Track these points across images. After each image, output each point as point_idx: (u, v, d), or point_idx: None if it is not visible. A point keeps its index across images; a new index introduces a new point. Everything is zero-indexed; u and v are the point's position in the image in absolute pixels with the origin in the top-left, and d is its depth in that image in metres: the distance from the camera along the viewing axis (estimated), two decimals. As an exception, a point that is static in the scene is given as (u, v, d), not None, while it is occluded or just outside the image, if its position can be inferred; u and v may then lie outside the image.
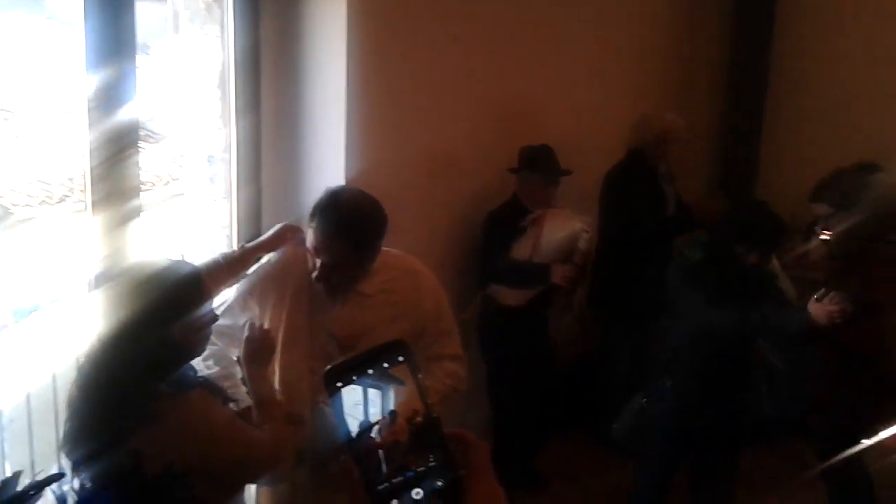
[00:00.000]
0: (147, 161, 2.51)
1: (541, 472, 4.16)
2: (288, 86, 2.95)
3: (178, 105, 3.00)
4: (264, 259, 2.39)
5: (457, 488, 0.84)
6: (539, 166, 3.69)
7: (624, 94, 4.85)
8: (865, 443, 3.07)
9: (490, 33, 3.70)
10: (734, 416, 3.24)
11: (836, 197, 4.28)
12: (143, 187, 2.57)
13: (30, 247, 3.35)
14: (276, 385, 2.25)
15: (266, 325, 2.26)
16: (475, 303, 3.78)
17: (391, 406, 0.88)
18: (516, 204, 3.74)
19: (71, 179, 3.02)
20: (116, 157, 2.41)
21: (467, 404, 3.72)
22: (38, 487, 1.43)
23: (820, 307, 2.85)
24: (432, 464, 0.85)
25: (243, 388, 2.22)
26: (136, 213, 2.50)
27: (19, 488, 1.39)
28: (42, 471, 1.50)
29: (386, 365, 0.88)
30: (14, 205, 3.63)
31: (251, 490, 2.45)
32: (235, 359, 2.27)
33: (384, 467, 0.85)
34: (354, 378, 0.88)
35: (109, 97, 2.35)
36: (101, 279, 2.43)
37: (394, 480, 0.84)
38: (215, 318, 1.95)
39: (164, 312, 1.81)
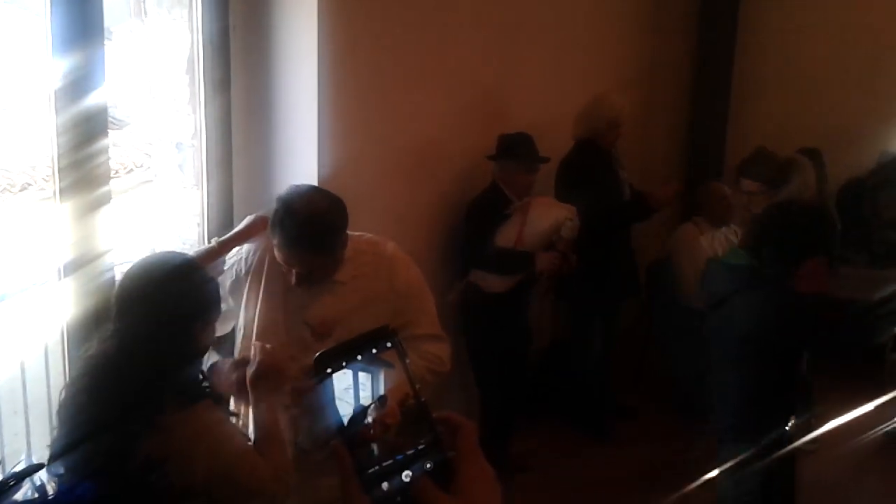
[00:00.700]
0: (112, 148, 2.44)
1: (517, 457, 4.18)
2: (258, 70, 2.90)
3: (145, 91, 2.94)
4: (237, 251, 2.35)
5: (446, 469, 0.84)
6: (518, 154, 3.70)
7: (592, 79, 4.86)
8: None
9: (463, 19, 3.69)
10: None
11: (764, 175, 4.39)
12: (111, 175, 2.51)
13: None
14: None
15: (242, 318, 2.23)
16: (457, 288, 3.77)
17: (381, 391, 0.87)
18: (496, 191, 3.75)
19: (33, 168, 2.94)
20: (84, 145, 2.35)
21: (448, 388, 3.74)
22: (17, 478, 1.39)
23: None
24: (421, 446, 0.85)
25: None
26: (104, 200, 2.45)
27: None
28: (20, 461, 1.46)
29: (374, 350, 0.88)
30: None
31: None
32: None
33: (375, 451, 0.85)
34: (344, 364, 0.87)
35: (76, 83, 2.29)
36: (70, 268, 2.38)
37: (384, 464, 0.84)
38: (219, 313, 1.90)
39: (185, 311, 1.76)
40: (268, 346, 1.98)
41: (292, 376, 2.01)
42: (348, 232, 2.24)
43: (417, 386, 0.87)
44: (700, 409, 3.29)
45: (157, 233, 2.96)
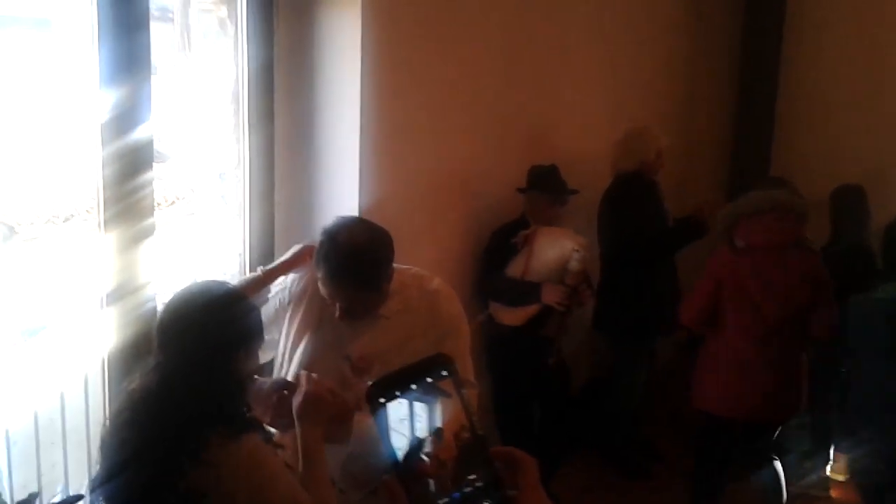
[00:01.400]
0: (156, 181, 2.45)
1: (556, 495, 4.08)
2: (301, 101, 2.91)
3: (188, 123, 2.96)
4: (282, 280, 2.33)
5: None
6: (545, 186, 3.67)
7: (630, 110, 4.82)
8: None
9: (501, 53, 3.68)
10: None
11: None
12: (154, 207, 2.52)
13: (36, 266, 3.28)
14: None
15: (281, 347, 2.21)
16: (479, 319, 3.70)
17: (438, 422, 0.83)
18: (523, 223, 3.71)
19: (77, 199, 2.97)
20: (129, 177, 2.36)
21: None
22: None
23: None
24: (479, 484, 0.81)
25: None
26: (148, 232, 2.45)
27: None
28: (57, 493, 1.42)
29: (430, 379, 0.84)
30: (19, 224, 3.57)
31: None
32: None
33: (431, 488, 0.80)
34: (398, 393, 0.83)
35: (123, 116, 2.31)
36: (113, 298, 2.38)
37: (439, 502, 0.79)
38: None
39: (228, 340, 1.72)
40: (314, 375, 1.93)
41: (337, 408, 1.95)
42: (395, 265, 2.20)
43: (474, 418, 0.83)
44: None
45: (199, 263, 2.96)
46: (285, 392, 1.96)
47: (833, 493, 4.38)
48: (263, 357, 2.27)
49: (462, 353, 2.25)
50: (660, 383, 4.73)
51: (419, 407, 0.83)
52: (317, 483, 1.82)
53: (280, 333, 2.28)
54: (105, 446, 1.73)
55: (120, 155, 2.32)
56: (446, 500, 0.80)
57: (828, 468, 4.54)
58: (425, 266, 2.46)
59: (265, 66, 2.83)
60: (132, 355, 2.42)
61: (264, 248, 2.96)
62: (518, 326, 3.65)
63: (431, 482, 0.81)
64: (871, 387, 3.30)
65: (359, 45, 2.78)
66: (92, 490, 1.70)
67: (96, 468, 1.73)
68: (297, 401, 1.88)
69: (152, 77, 2.41)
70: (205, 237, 3.02)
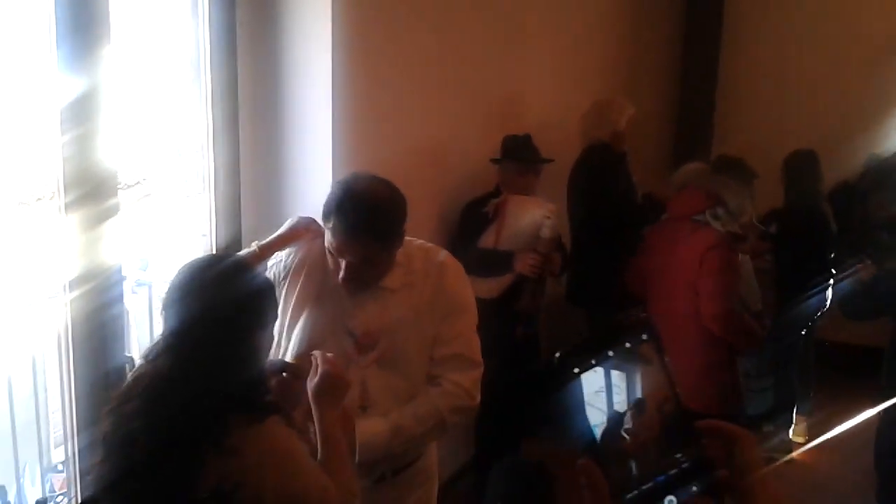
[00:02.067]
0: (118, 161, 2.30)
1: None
2: (268, 69, 2.74)
3: (148, 97, 2.76)
4: (279, 256, 2.18)
5: (716, 493, 0.70)
6: (518, 154, 3.60)
7: (587, 82, 4.78)
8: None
9: (470, 22, 3.58)
10: None
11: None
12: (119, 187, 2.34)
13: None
14: None
15: (285, 325, 2.06)
16: None
17: (638, 393, 0.72)
18: (496, 194, 3.62)
19: (34, 183, 2.76)
20: (91, 157, 2.19)
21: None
22: None
23: None
24: (685, 464, 0.71)
25: None
26: (112, 213, 2.28)
27: None
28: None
29: (628, 345, 0.74)
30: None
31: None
32: None
33: (633, 470, 0.70)
34: (594, 362, 0.73)
35: (83, 98, 2.14)
36: (77, 282, 2.21)
37: (643, 487, 0.69)
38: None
39: (243, 316, 1.59)
40: (329, 354, 1.80)
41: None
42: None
43: (678, 389, 0.73)
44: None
45: (163, 246, 2.78)
46: (284, 374, 1.82)
47: (795, 456, 4.47)
48: None
49: (470, 330, 2.15)
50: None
51: (617, 376, 0.72)
52: (339, 466, 1.71)
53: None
54: (110, 440, 1.56)
55: (81, 136, 2.15)
56: (650, 484, 0.71)
57: (790, 430, 4.64)
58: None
59: (227, 30, 2.65)
60: (98, 341, 2.27)
61: (231, 228, 2.80)
62: (492, 299, 3.56)
63: (633, 463, 0.72)
64: None
65: (329, 11, 2.64)
66: (102, 493, 1.53)
67: (99, 465, 1.56)
68: (313, 382, 1.75)
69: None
70: (166, 218, 2.83)
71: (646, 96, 6.03)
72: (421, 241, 2.18)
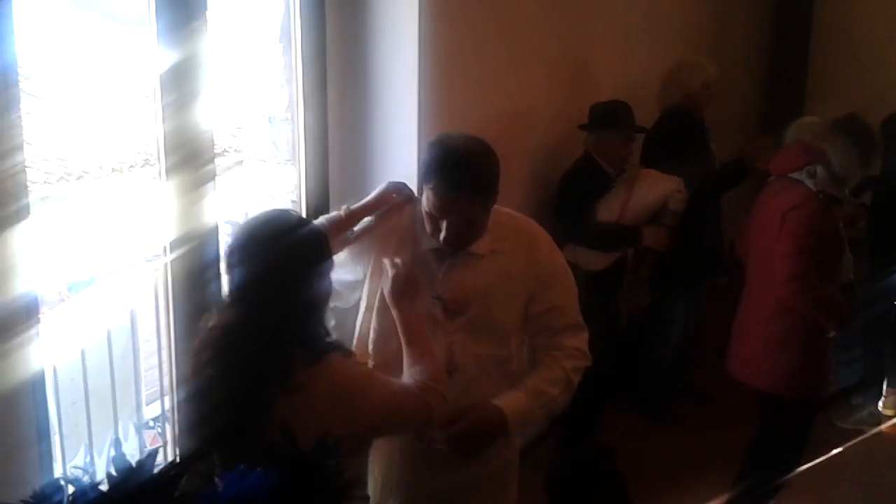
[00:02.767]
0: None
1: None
2: (356, 37, 2.76)
3: (237, 65, 2.82)
4: (367, 220, 2.21)
5: None
6: (619, 123, 3.50)
7: (672, 47, 4.63)
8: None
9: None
10: None
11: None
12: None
13: (78, 220, 3.19)
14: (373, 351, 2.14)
15: (367, 290, 2.13)
16: None
17: None
18: (591, 163, 3.56)
19: (132, 150, 2.86)
20: (189, 125, 2.26)
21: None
22: (181, 467, 1.27)
23: None
24: None
25: None
26: (208, 178, 2.35)
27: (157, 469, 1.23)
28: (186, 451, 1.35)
29: None
30: (47, 181, 3.46)
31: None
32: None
33: None
34: None
35: (181, 62, 2.21)
36: (175, 245, 2.30)
37: None
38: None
39: (295, 262, 1.68)
40: (396, 259, 1.95)
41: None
42: None
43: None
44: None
45: (254, 210, 2.85)
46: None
47: (885, 429, 4.34)
48: (347, 300, 2.19)
49: (574, 297, 2.18)
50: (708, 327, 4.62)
51: None
52: (427, 356, 1.87)
53: (364, 274, 2.17)
54: (192, 389, 1.71)
55: (178, 104, 2.22)
56: None
57: (880, 403, 4.50)
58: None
59: (317, 1, 2.68)
60: (196, 301, 2.36)
61: (319, 194, 2.85)
62: (599, 271, 3.54)
63: None
64: None
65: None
66: (202, 444, 1.63)
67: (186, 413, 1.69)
68: (387, 287, 1.93)
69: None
70: (255, 185, 2.90)
71: (733, 58, 5.83)
72: (507, 209, 2.18)
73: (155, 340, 2.60)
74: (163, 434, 2.92)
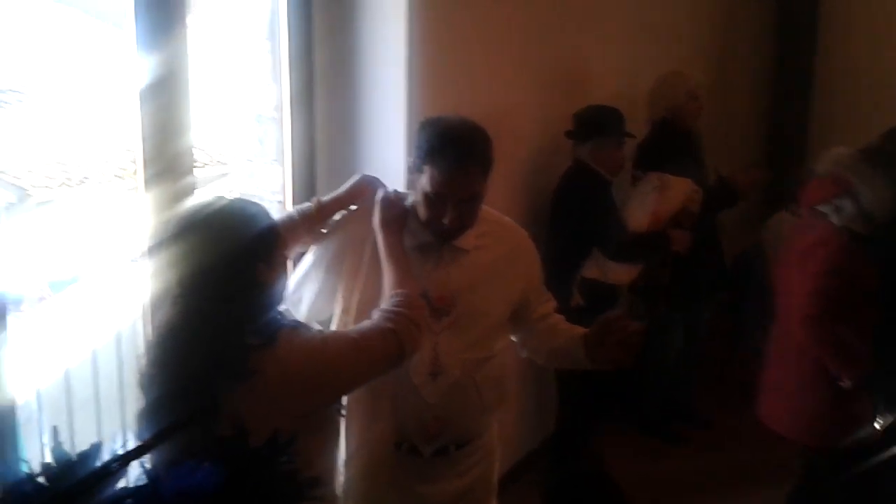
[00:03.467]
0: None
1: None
2: (343, 36, 2.70)
3: (222, 64, 2.78)
4: (340, 215, 2.12)
5: None
6: (614, 128, 3.40)
7: (667, 57, 4.53)
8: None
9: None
10: None
11: None
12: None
13: (59, 226, 3.15)
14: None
15: (342, 289, 2.05)
16: (576, 287, 3.42)
17: None
18: (587, 172, 3.40)
19: (112, 160, 2.81)
20: (170, 135, 2.20)
21: (522, 380, 3.55)
22: (123, 460, 1.21)
23: None
24: None
25: None
26: (188, 191, 2.29)
27: (99, 462, 1.19)
28: (125, 443, 1.29)
29: None
30: (33, 186, 3.41)
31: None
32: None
33: None
34: None
35: (162, 69, 2.15)
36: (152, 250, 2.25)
37: None
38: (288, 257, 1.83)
39: (242, 250, 1.60)
40: (381, 190, 2.03)
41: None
42: None
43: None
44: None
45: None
46: None
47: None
48: (327, 309, 2.11)
49: (546, 293, 2.25)
50: (709, 345, 4.56)
51: None
52: (408, 282, 1.89)
53: (339, 275, 2.07)
54: (144, 382, 1.64)
55: (159, 112, 2.16)
56: None
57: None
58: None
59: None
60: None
61: (306, 194, 2.80)
62: (624, 283, 3.45)
63: None
64: None
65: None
66: (138, 428, 1.60)
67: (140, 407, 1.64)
68: (376, 218, 1.98)
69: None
70: (240, 185, 2.85)
71: (736, 74, 5.74)
72: (484, 205, 2.08)
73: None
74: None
